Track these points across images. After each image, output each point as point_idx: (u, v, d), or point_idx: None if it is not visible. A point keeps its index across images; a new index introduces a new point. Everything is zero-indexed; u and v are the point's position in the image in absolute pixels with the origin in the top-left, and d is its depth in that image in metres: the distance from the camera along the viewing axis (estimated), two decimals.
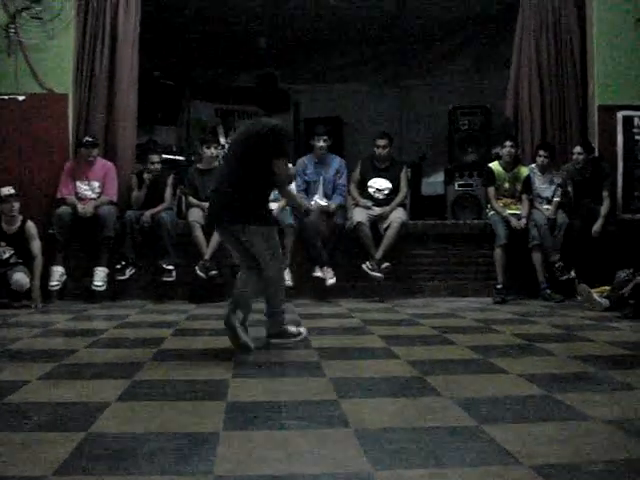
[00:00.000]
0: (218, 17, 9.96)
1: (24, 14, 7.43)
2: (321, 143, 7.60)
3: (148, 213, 7.19)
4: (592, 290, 6.43)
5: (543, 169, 7.52)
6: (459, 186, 8.76)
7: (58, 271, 6.91)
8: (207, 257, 7.01)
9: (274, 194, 7.34)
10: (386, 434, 2.65)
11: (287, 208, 7.31)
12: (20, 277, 6.62)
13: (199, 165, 7.67)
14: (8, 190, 6.76)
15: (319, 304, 6.93)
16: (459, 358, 4.19)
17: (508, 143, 7.45)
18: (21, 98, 7.50)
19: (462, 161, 9.03)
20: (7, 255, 6.72)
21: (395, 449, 2.48)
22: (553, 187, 7.51)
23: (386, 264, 7.13)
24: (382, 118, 11.45)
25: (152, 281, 7.25)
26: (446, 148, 9.66)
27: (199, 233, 7.08)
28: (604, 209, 7.25)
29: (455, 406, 3.04)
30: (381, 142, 7.56)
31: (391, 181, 7.56)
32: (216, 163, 7.62)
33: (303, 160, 7.74)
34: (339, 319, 5.99)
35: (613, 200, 7.48)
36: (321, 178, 7.59)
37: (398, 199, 7.48)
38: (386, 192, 7.52)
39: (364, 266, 7.13)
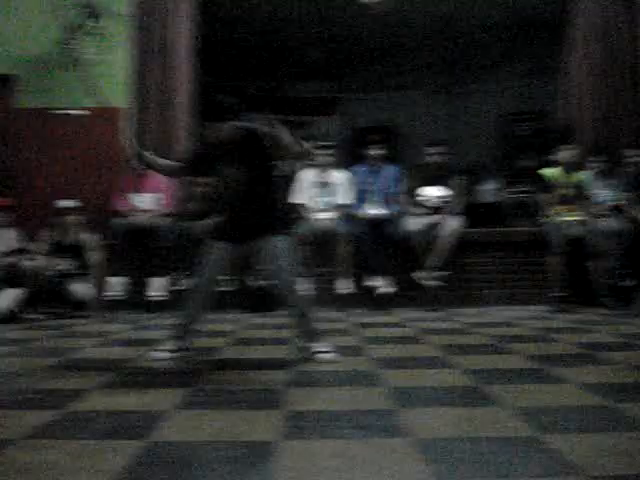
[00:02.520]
0: (269, 29, 10.05)
1: (81, 30, 7.60)
2: (375, 151, 7.59)
3: (203, 223, 7.26)
4: None
5: (600, 174, 7.40)
6: (514, 193, 8.67)
7: (116, 281, 7.03)
8: (258, 267, 7.06)
9: (325, 203, 7.43)
10: (446, 444, 2.63)
11: (340, 217, 7.33)
12: (79, 288, 6.77)
13: None
14: (67, 203, 6.92)
15: (373, 313, 6.90)
16: (517, 367, 4.13)
17: (565, 148, 7.34)
18: (79, 112, 7.66)
19: (517, 167, 8.96)
20: (67, 266, 6.88)
21: (455, 459, 2.45)
22: (611, 192, 7.39)
23: (441, 273, 7.08)
24: (435, 125, 11.42)
25: None
26: (500, 154, 9.61)
27: None
28: None
29: (514, 416, 3.00)
30: (434, 150, 7.52)
31: (444, 189, 7.50)
32: None
33: (357, 169, 7.73)
34: (394, 328, 5.96)
35: None
36: (375, 187, 7.57)
37: (452, 207, 7.43)
38: (439, 200, 7.47)
39: (418, 275, 7.10)
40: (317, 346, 4.41)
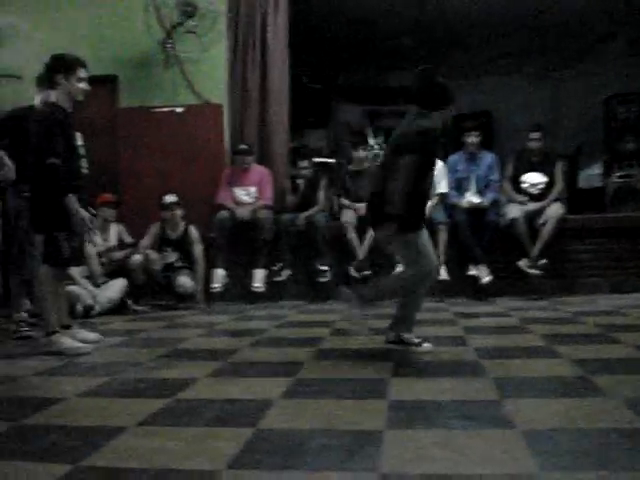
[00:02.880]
0: (362, 19, 10.01)
1: (179, 29, 7.78)
2: (472, 139, 7.49)
3: (302, 216, 7.35)
4: None
5: None
6: (618, 177, 8.40)
7: (219, 273, 7.18)
8: (361, 257, 7.10)
9: None
10: (553, 435, 2.59)
11: (440, 205, 7.27)
12: (184, 280, 6.97)
13: (350, 167, 7.79)
14: (170, 198, 7.12)
15: (474, 303, 6.83)
16: (626, 357, 4.01)
17: None
18: (179, 109, 7.86)
19: (621, 151, 8.67)
20: (172, 259, 7.09)
21: (563, 451, 2.41)
22: None
23: (543, 261, 6.94)
24: (534, 110, 11.14)
25: (308, 281, 7.40)
26: (603, 138, 9.31)
27: (352, 234, 7.17)
28: None
29: (624, 407, 2.91)
30: (534, 135, 7.35)
31: (546, 175, 7.33)
32: (366, 164, 7.71)
33: (454, 157, 7.65)
34: (496, 318, 5.89)
35: None
36: (473, 174, 7.46)
37: (554, 193, 7.24)
38: (541, 187, 7.30)
39: (520, 263, 6.98)
40: (412, 336, 4.39)
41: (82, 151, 4.88)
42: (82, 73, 4.70)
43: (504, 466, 2.30)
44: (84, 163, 4.88)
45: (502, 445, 2.51)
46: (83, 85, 4.71)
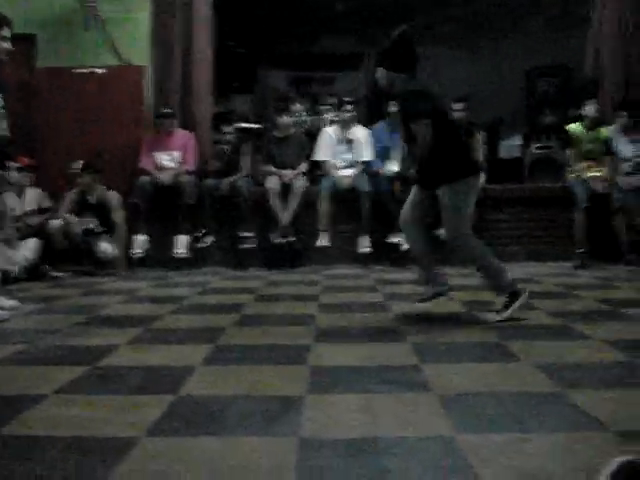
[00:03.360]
0: None
1: None
2: (395, 108, 7.53)
3: (226, 181, 7.29)
4: None
5: (625, 129, 7.29)
6: (537, 149, 8.58)
7: (140, 239, 7.08)
8: (284, 223, 7.11)
9: (349, 160, 7.41)
10: (469, 399, 2.67)
11: (363, 174, 7.30)
12: (106, 246, 6.85)
13: (275, 133, 7.74)
14: (76, 165, 6.99)
15: (395, 270, 6.92)
16: (540, 324, 4.15)
17: (590, 102, 7.24)
18: (100, 71, 7.66)
19: (540, 123, 8.85)
20: (92, 225, 6.95)
21: (479, 414, 2.49)
22: (636, 148, 7.28)
23: None
24: (457, 81, 11.25)
25: (231, 248, 7.37)
26: (523, 110, 9.48)
27: (276, 200, 7.16)
28: None
29: (537, 372, 3.02)
30: (458, 106, 7.45)
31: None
32: (292, 130, 7.68)
33: (377, 126, 7.69)
34: (417, 285, 5.97)
35: None
36: (396, 143, 7.51)
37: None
38: None
39: (440, 232, 7.08)
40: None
41: (2, 112, 4.71)
42: (6, 32, 4.54)
43: (422, 430, 2.35)
44: (4, 124, 4.71)
45: (421, 409, 2.57)
46: (6, 45, 4.55)
